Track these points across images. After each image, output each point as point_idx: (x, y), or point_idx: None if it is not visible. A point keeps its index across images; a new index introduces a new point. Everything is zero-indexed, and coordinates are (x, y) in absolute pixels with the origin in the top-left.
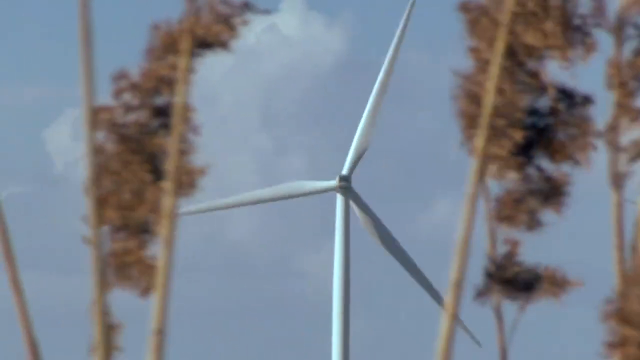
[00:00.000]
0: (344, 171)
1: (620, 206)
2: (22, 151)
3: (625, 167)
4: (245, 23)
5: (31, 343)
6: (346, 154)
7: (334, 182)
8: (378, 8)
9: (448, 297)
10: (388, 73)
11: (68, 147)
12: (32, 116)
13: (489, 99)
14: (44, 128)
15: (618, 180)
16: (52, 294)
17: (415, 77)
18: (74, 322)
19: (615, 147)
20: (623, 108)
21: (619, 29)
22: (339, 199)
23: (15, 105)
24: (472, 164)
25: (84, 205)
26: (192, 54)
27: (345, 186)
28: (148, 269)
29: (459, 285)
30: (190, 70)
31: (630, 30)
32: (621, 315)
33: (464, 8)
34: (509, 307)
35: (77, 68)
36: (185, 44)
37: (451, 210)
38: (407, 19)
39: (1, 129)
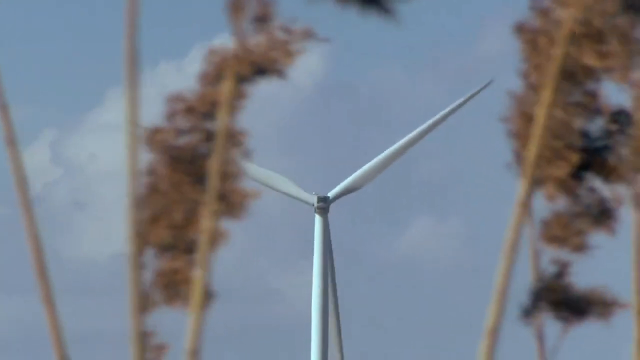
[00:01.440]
0: (329, 193)
1: None
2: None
3: None
4: (303, 51)
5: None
6: (326, 177)
7: (314, 199)
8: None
9: (483, 345)
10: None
11: (46, 168)
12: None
13: (543, 120)
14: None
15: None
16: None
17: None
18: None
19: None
20: None
21: None
22: (317, 220)
23: None
24: (520, 187)
25: (66, 224)
26: (246, 80)
27: (324, 207)
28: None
29: (494, 332)
30: (243, 95)
31: None
32: None
33: (521, 29)
34: (550, 329)
35: (55, 88)
36: (241, 70)
37: (428, 230)
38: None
39: None
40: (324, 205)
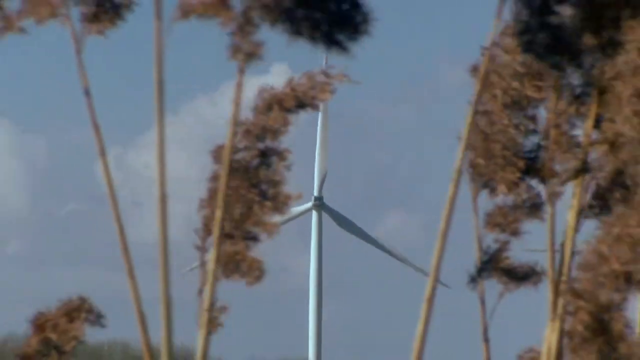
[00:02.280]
0: (315, 193)
1: (553, 217)
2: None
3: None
4: (335, 90)
5: (141, 320)
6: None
7: (310, 204)
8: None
9: (423, 308)
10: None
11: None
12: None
13: (496, 137)
14: (94, 161)
15: (553, 197)
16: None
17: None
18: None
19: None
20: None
21: None
22: (314, 216)
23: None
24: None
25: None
26: (290, 111)
27: (319, 204)
28: (254, 264)
29: (430, 300)
30: (287, 123)
31: None
32: (574, 291)
33: (475, 69)
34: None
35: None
36: (287, 104)
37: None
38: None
39: (62, 162)
40: (319, 202)
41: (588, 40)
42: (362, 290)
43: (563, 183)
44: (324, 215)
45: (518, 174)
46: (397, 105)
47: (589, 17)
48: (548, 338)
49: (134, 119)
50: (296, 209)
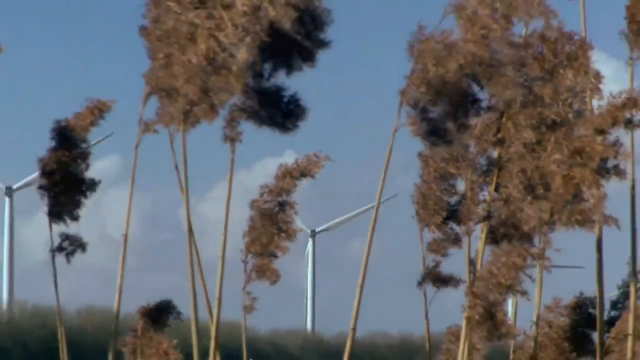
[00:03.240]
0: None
1: (469, 246)
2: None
3: None
4: (323, 166)
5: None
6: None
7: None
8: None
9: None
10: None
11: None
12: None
13: (431, 198)
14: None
15: (468, 233)
16: None
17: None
18: None
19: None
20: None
21: None
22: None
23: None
24: (420, 226)
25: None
26: (297, 179)
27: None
28: (274, 272)
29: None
30: (295, 185)
31: None
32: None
33: (422, 155)
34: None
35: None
36: (294, 175)
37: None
38: None
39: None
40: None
41: (451, 126)
42: None
43: (475, 225)
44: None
45: (442, 219)
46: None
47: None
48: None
49: (205, 179)
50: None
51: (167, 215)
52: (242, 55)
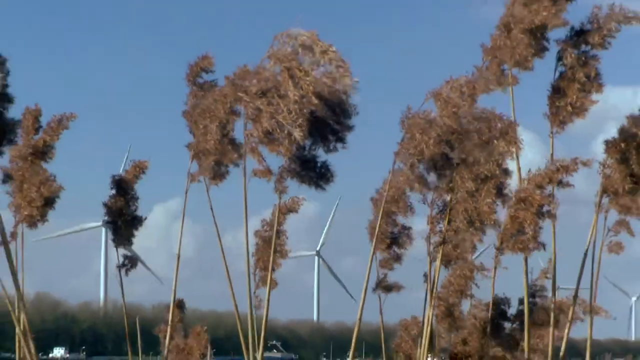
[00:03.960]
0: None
1: (431, 264)
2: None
3: None
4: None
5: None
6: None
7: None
8: None
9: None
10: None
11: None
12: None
13: (382, 231)
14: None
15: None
16: None
17: None
18: None
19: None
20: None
21: None
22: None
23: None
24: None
25: None
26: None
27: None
28: (273, 281)
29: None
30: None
31: None
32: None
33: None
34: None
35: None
36: (283, 211)
37: None
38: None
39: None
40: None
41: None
42: None
43: (434, 248)
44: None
45: (387, 244)
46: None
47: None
48: (427, 315)
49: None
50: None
51: (213, 240)
52: (298, 134)
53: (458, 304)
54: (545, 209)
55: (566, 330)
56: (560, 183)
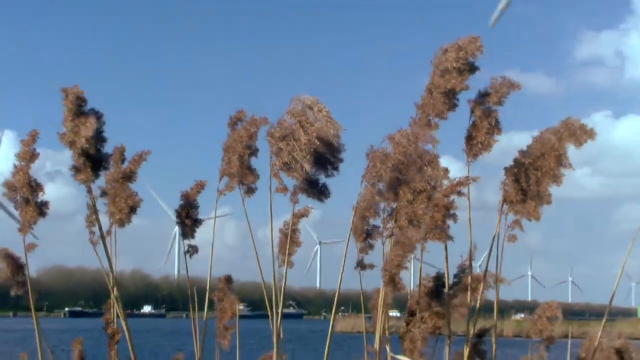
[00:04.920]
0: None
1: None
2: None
3: None
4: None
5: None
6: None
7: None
8: None
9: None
10: None
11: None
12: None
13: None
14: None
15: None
16: None
17: None
18: None
19: None
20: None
21: None
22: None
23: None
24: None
25: None
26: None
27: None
28: (290, 263)
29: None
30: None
31: None
32: None
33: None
34: None
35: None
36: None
37: None
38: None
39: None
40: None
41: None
42: None
43: (386, 239)
44: None
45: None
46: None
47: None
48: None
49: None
50: None
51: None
52: (307, 165)
53: (398, 273)
54: (450, 212)
55: (479, 293)
56: (459, 193)
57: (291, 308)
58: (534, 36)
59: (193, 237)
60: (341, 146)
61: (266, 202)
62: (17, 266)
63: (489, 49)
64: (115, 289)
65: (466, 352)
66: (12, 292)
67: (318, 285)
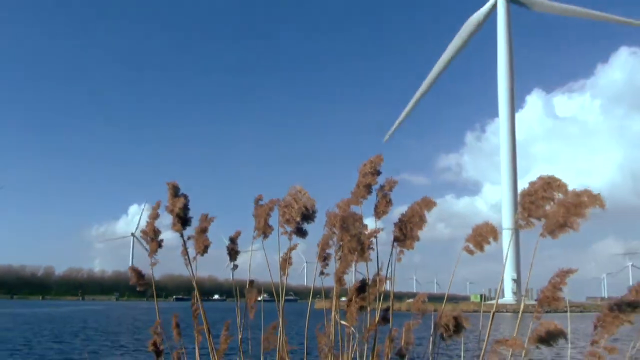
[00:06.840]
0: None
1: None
2: None
3: None
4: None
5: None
6: None
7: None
8: None
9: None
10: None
11: None
12: None
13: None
14: None
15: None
16: None
17: None
18: None
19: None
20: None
21: None
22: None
23: None
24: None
25: None
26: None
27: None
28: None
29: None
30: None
31: None
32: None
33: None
34: None
35: None
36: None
37: None
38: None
39: None
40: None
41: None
42: None
43: (337, 262)
44: None
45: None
46: None
47: None
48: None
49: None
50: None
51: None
52: (298, 220)
53: (342, 277)
54: (370, 246)
55: (383, 288)
56: (374, 236)
57: (291, 294)
58: (415, 156)
59: (236, 259)
60: (315, 209)
61: (276, 241)
62: (140, 275)
63: (387, 161)
64: (196, 285)
65: (377, 318)
66: (138, 289)
67: (305, 283)
